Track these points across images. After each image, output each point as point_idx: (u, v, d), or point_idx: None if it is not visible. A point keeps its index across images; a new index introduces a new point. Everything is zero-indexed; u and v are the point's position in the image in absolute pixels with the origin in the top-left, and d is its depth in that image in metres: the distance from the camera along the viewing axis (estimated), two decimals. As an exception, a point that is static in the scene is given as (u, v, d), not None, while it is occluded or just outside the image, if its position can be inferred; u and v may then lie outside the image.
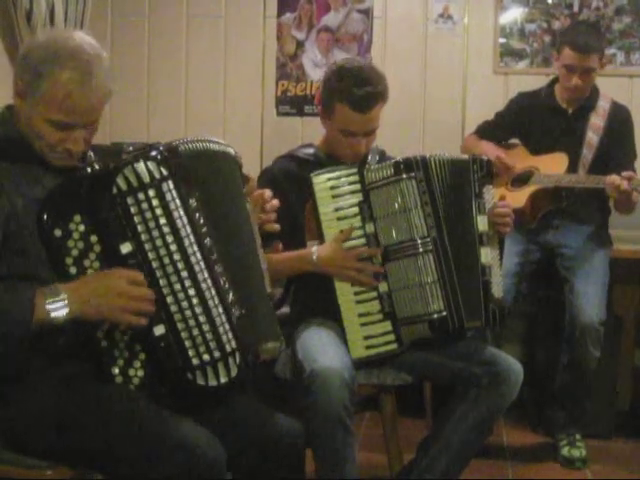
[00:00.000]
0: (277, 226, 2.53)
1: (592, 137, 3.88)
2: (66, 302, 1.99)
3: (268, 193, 2.53)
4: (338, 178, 2.84)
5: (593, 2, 4.79)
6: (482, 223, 2.85)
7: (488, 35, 4.84)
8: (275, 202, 2.54)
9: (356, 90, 2.86)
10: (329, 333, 2.84)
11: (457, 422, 2.86)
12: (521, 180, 3.97)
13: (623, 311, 4.13)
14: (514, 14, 4.86)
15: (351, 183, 2.83)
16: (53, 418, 2.09)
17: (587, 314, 3.64)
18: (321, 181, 2.84)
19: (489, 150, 3.97)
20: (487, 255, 2.84)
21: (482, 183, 2.86)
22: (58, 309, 1.98)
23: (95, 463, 2.09)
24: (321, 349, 2.73)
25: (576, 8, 4.81)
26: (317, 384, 2.60)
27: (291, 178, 2.99)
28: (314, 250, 2.85)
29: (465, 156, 2.93)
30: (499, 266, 2.92)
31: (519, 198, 3.90)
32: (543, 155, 3.97)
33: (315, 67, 5.10)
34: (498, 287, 2.88)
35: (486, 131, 4.20)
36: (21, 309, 1.97)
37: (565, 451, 3.82)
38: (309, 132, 4.87)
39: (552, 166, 3.91)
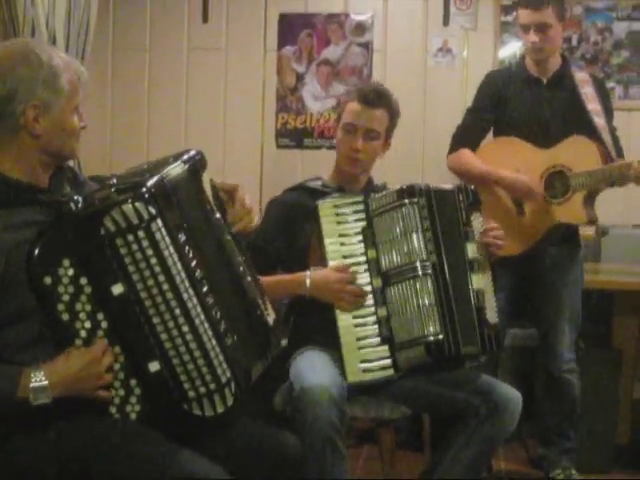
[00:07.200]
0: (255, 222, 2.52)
1: (595, 107, 3.67)
2: (48, 390, 2.01)
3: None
4: (343, 206, 2.89)
5: (591, 36, 4.84)
6: (471, 250, 2.86)
7: (487, 69, 4.85)
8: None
9: (365, 87, 3.16)
10: (322, 356, 2.86)
11: (456, 453, 2.84)
12: (553, 187, 3.65)
13: (622, 344, 4.11)
14: (513, 48, 4.90)
15: (356, 211, 2.88)
16: (55, 454, 2.08)
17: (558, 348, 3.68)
18: (327, 207, 2.88)
19: (507, 175, 3.67)
20: (479, 281, 2.85)
21: (469, 211, 2.88)
22: (40, 399, 2.01)
23: None
24: (311, 368, 2.75)
25: (574, 42, 4.85)
26: (305, 401, 2.60)
27: (299, 208, 3.04)
28: (308, 274, 2.88)
29: (450, 186, 2.93)
30: (492, 292, 2.92)
31: (574, 211, 3.63)
32: (554, 147, 3.66)
33: (315, 100, 5.13)
34: (492, 313, 2.87)
35: (464, 136, 3.89)
36: (5, 389, 2.00)
37: (563, 486, 3.79)
38: (309, 165, 4.89)
39: (580, 158, 3.60)
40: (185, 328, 2.05)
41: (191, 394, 2.08)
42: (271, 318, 2.42)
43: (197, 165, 2.28)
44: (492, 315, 2.87)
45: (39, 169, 2.17)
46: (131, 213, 1.99)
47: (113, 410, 2.10)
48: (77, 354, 2.05)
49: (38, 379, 2.00)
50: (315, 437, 2.57)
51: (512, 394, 2.84)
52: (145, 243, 2.00)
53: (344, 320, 2.85)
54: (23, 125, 2.10)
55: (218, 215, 2.31)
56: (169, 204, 2.07)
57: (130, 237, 1.99)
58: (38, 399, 2.00)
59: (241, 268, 2.34)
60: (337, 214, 2.88)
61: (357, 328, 2.84)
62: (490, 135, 3.91)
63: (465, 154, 3.82)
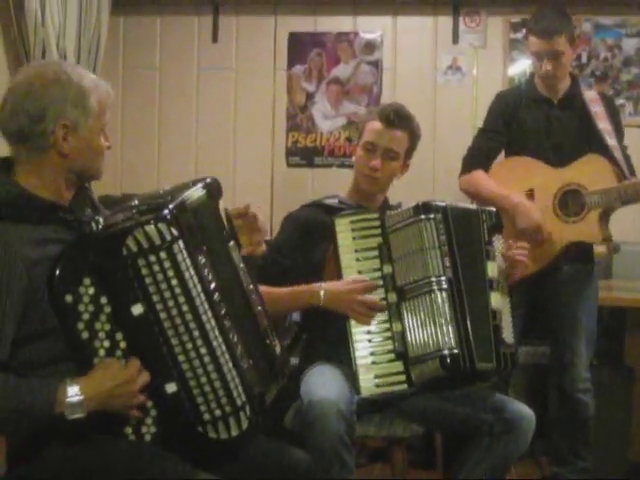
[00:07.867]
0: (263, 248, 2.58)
1: (606, 126, 3.65)
2: (84, 404, 2.01)
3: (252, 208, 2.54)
4: (360, 221, 2.92)
5: (601, 53, 4.84)
6: (492, 269, 2.88)
7: (497, 86, 4.85)
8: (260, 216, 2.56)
9: (387, 107, 3.14)
10: (333, 371, 2.86)
11: (469, 471, 2.84)
12: (567, 207, 3.62)
13: (635, 362, 4.10)
14: (523, 65, 4.90)
15: (372, 227, 2.91)
16: (69, 471, 2.08)
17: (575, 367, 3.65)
18: (343, 223, 2.91)
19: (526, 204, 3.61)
20: (497, 300, 2.86)
21: (491, 232, 2.91)
22: (76, 413, 2.00)
23: None
24: (321, 383, 2.76)
25: (584, 59, 4.86)
26: (313, 415, 2.60)
27: (316, 224, 3.08)
28: (322, 285, 2.90)
29: (474, 206, 2.97)
30: (509, 313, 2.92)
31: (589, 229, 3.59)
32: (568, 166, 3.64)
33: (325, 119, 5.14)
34: (509, 333, 2.88)
35: (476, 157, 3.84)
36: (42, 405, 1.99)
37: (578, 505, 3.76)
38: (319, 183, 4.89)
39: (595, 177, 3.57)
40: (203, 350, 2.06)
41: (206, 417, 2.08)
42: (277, 348, 2.44)
43: (214, 191, 2.31)
44: (509, 335, 2.87)
45: (64, 188, 2.19)
46: (154, 234, 2.00)
47: (128, 431, 2.10)
48: (114, 371, 2.05)
49: (74, 394, 2.00)
50: (323, 451, 2.57)
51: (525, 412, 2.84)
52: (167, 264, 2.01)
53: (358, 334, 2.86)
54: (52, 144, 2.12)
55: (232, 242, 2.34)
56: (190, 226, 2.09)
57: (152, 258, 2.01)
58: (74, 414, 2.00)
59: (253, 296, 2.37)
60: (353, 229, 2.91)
61: (371, 343, 2.85)
62: (501, 155, 3.89)
63: (478, 175, 3.79)
